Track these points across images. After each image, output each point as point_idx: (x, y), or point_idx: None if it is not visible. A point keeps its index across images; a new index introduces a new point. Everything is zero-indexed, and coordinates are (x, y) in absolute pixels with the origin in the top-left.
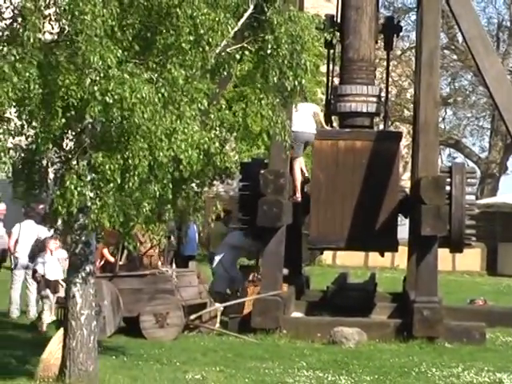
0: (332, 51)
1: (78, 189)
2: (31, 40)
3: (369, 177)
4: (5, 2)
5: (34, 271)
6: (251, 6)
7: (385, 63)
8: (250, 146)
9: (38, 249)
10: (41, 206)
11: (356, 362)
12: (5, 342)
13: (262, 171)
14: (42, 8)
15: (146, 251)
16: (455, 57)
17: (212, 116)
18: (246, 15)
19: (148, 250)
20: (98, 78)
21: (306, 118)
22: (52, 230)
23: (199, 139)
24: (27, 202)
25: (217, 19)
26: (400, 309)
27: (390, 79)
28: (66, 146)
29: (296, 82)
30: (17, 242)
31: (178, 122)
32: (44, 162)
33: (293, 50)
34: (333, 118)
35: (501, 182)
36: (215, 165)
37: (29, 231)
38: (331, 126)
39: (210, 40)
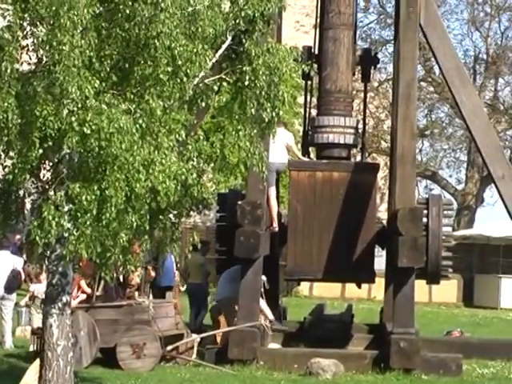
0: (309, 83)
1: (56, 219)
2: (8, 70)
3: (346, 208)
4: None
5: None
6: (229, 38)
7: (362, 95)
8: (227, 177)
9: (14, 279)
10: (17, 237)
11: None
12: None
13: (239, 202)
14: (20, 39)
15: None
16: (432, 89)
17: (190, 147)
18: (224, 47)
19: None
20: (75, 109)
21: (277, 148)
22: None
23: (177, 170)
24: (3, 233)
25: (195, 50)
26: (377, 340)
27: (368, 111)
28: (43, 176)
29: (273, 114)
30: None
31: (156, 152)
32: (21, 193)
33: (270, 82)
34: (310, 149)
35: (477, 214)
36: (192, 196)
37: (4, 262)
38: (308, 158)
39: (188, 71)
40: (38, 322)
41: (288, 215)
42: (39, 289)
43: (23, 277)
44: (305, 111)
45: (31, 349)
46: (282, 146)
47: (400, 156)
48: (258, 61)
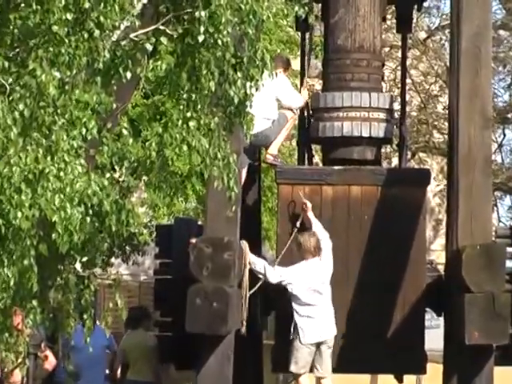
0: (308, 35)
1: None
2: None
3: (375, 246)
4: None
5: None
6: None
7: (399, 54)
8: (170, 198)
9: None
10: None
11: None
12: None
13: (194, 240)
14: None
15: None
16: None
17: (106, 148)
18: None
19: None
20: None
21: (261, 105)
22: None
23: (84, 188)
24: None
25: None
26: None
27: (409, 81)
28: None
29: (248, 89)
30: None
31: (49, 158)
32: None
33: (241, 36)
34: (313, 147)
35: None
36: (112, 231)
37: None
38: (310, 161)
39: (101, 19)
40: None
41: (276, 260)
42: None
43: None
44: (301, 84)
45: None
46: (269, 102)
47: (465, 156)
48: (220, 0)
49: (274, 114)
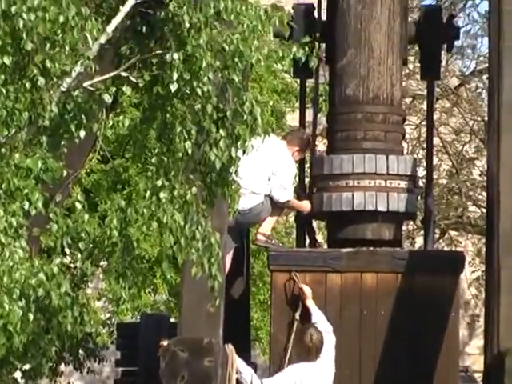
0: (314, 81)
1: None
2: None
3: (395, 350)
4: None
5: None
6: None
7: (424, 106)
8: (137, 289)
9: None
10: None
11: None
12: None
13: (165, 342)
14: None
15: None
16: None
17: (54, 226)
18: (125, 9)
19: None
20: None
21: (250, 175)
22: None
23: (26, 277)
24: None
25: (61, 19)
26: None
27: (437, 140)
28: None
29: (233, 152)
30: None
31: None
32: None
33: (225, 84)
34: (314, 223)
35: None
36: (61, 331)
37: None
38: (312, 243)
39: (48, 65)
40: None
41: (270, 370)
42: None
43: None
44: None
45: None
46: (261, 172)
47: (508, 235)
48: (198, 39)
49: (267, 188)
